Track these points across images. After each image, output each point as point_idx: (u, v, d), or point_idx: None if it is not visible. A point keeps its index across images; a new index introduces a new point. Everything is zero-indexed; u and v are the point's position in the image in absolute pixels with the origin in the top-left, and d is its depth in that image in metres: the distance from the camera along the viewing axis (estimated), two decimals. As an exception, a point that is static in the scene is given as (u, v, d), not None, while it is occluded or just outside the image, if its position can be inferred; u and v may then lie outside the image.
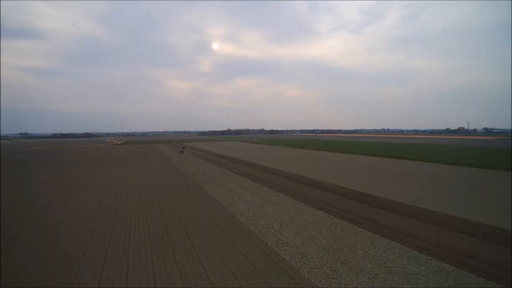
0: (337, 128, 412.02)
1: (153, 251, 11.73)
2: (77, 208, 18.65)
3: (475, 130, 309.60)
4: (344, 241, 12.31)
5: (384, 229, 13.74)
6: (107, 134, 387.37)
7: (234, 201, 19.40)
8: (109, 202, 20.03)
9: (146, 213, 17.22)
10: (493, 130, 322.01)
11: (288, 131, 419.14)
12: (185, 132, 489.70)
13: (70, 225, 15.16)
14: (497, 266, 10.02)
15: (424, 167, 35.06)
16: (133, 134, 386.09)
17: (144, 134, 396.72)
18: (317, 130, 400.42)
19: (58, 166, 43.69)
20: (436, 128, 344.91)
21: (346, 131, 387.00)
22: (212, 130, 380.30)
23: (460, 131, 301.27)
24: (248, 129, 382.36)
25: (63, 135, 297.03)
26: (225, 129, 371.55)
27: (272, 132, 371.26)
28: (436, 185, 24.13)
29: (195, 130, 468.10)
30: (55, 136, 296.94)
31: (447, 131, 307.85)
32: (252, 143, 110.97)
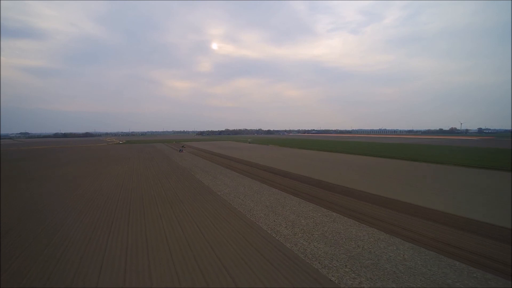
0: (334, 128, 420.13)
1: (159, 208, 18.50)
2: (101, 188, 25.39)
3: (467, 130, 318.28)
4: (282, 204, 19.13)
5: (315, 199, 20.54)
6: (106, 134, 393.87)
7: (216, 184, 26.22)
8: (124, 185, 26.76)
9: (152, 190, 23.99)
10: (485, 131, 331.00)
11: (285, 131, 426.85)
12: (183, 132, 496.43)
13: (99, 198, 21.90)
14: (351, 209, 16.80)
15: (384, 162, 41.92)
16: (132, 134, 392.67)
17: (143, 134, 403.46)
18: (313, 130, 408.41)
19: (73, 161, 50.30)
20: (431, 129, 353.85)
21: (342, 131, 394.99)
22: (210, 130, 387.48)
23: (452, 131, 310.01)
24: (246, 129, 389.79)
25: (64, 135, 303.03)
26: (223, 129, 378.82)
27: (269, 132, 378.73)
28: (377, 174, 30.97)
29: (193, 130, 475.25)
30: (56, 135, 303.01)
31: (440, 132, 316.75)
32: (249, 143, 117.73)
